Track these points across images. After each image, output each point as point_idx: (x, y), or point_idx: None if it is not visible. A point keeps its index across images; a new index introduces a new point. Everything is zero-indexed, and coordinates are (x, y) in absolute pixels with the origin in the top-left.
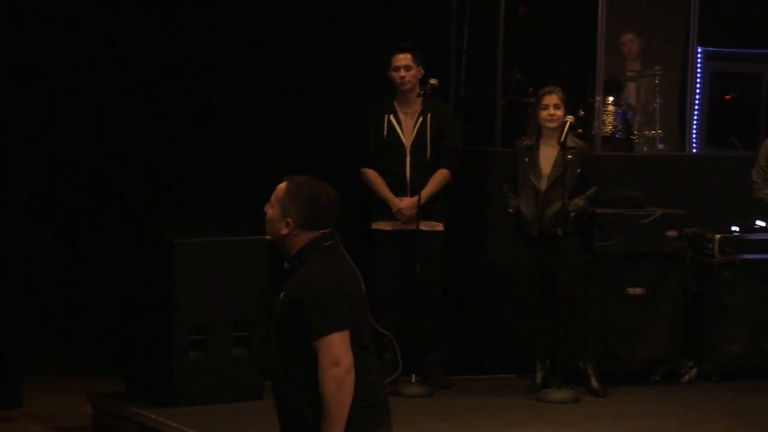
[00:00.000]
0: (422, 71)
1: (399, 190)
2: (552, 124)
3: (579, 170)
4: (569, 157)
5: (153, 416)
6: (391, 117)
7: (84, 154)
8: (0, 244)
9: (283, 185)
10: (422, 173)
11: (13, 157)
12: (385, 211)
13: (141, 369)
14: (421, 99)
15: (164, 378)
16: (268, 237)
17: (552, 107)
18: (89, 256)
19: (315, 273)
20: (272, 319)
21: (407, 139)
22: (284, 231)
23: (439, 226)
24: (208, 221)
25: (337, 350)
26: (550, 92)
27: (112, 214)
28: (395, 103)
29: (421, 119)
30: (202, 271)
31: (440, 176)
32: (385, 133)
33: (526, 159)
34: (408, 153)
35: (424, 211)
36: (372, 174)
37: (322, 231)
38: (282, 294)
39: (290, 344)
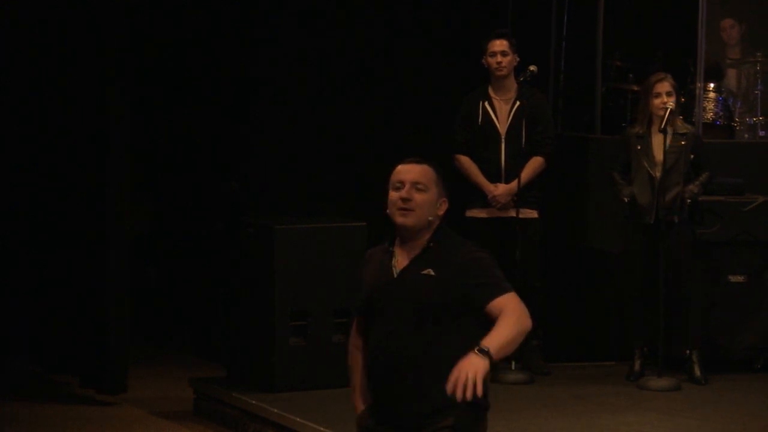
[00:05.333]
0: (517, 59)
1: (493, 177)
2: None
3: (691, 156)
4: (682, 143)
5: (253, 401)
6: (486, 104)
7: (181, 140)
8: (101, 228)
9: (427, 166)
10: (517, 160)
11: (115, 143)
12: (480, 198)
13: (242, 355)
14: (516, 86)
15: (264, 364)
16: (412, 221)
17: (664, 95)
18: (190, 241)
19: (471, 250)
20: (390, 300)
21: (502, 126)
22: (441, 212)
23: (534, 214)
24: (296, 208)
25: (524, 305)
26: (661, 79)
27: (210, 200)
28: (490, 90)
29: (516, 106)
30: (302, 258)
31: (535, 163)
32: (479, 120)
33: (638, 147)
34: (503, 140)
35: (520, 199)
36: (466, 160)
37: None
38: (430, 270)
39: (443, 323)
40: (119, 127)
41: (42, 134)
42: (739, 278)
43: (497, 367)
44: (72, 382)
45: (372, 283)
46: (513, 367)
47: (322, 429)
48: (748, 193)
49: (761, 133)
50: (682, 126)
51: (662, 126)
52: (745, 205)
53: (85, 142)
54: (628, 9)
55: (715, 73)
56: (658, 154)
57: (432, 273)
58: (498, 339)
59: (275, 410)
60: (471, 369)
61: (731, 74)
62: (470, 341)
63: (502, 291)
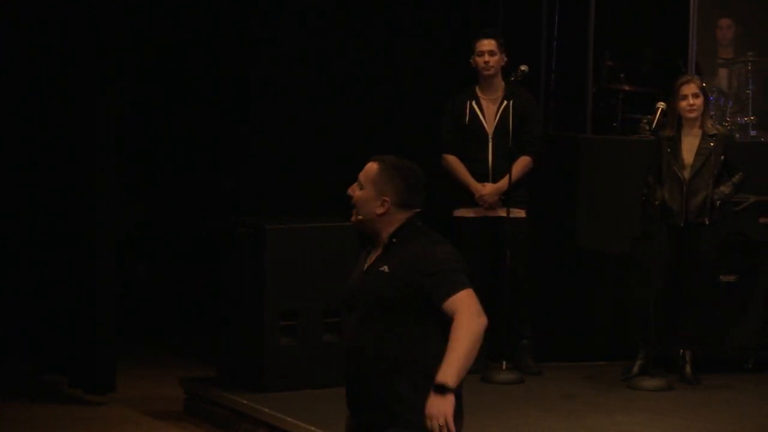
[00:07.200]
0: (505, 58)
1: (481, 177)
2: (692, 114)
3: (723, 157)
4: (712, 144)
5: (244, 401)
6: (473, 103)
7: (172, 139)
8: (90, 227)
9: (374, 165)
10: (505, 160)
11: (104, 142)
12: (468, 197)
13: (232, 354)
14: (503, 85)
15: (255, 363)
16: (358, 218)
17: (691, 96)
18: (180, 241)
19: (429, 244)
20: (357, 295)
21: (490, 126)
22: (380, 210)
23: (522, 213)
24: (294, 208)
25: (477, 303)
26: (688, 82)
27: (202, 199)
28: (477, 90)
29: (503, 105)
30: (292, 257)
31: (523, 162)
32: (467, 119)
33: (669, 150)
34: (490, 139)
35: (507, 198)
36: (453, 160)
37: (416, 210)
38: (386, 267)
39: (396, 318)
40: (118, 127)
41: (42, 134)
42: (731, 278)
43: (489, 367)
44: (62, 382)
45: (349, 281)
46: (504, 366)
47: (312, 429)
48: (740, 193)
49: (753, 133)
50: (711, 127)
51: (653, 126)
52: (737, 205)
53: (85, 142)
54: (619, 9)
55: (706, 71)
56: (688, 157)
57: (386, 269)
58: (453, 365)
59: (266, 410)
60: (439, 414)
61: (722, 74)
62: (430, 338)
63: (453, 290)
